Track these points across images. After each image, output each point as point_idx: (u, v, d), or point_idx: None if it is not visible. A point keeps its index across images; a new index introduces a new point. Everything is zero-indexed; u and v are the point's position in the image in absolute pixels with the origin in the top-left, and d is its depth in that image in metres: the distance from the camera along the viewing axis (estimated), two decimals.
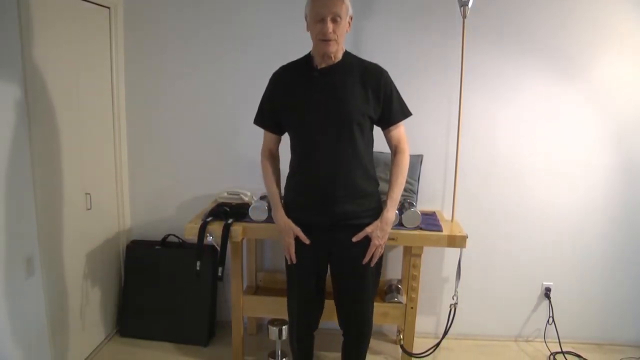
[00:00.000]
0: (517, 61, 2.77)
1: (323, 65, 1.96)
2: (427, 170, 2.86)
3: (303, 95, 1.99)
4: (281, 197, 2.15)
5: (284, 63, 2.11)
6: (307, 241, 2.04)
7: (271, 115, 2.10)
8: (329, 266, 2.16)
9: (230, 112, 2.95)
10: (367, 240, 2.03)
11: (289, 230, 2.06)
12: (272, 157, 2.17)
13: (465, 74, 2.64)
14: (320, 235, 2.05)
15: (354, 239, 2.01)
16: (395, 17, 2.77)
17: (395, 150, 2.09)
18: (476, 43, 2.71)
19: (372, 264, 2.06)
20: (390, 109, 2.02)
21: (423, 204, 2.89)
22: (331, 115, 1.94)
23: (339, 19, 1.85)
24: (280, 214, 2.09)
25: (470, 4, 2.52)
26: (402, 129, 2.09)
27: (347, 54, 2.01)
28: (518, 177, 2.90)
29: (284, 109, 2.04)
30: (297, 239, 2.07)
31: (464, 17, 2.55)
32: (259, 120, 2.15)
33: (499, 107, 2.83)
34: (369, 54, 2.76)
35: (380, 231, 2.01)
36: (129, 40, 2.91)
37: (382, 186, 2.55)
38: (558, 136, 2.84)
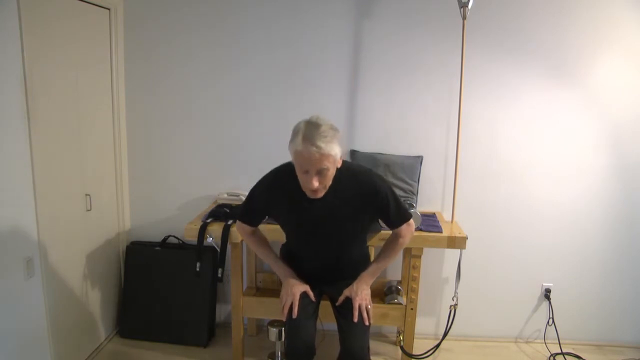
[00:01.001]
0: (516, 62, 2.77)
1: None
2: (427, 172, 2.87)
3: (296, 214, 2.00)
4: (278, 257, 2.24)
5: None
6: (314, 299, 2.11)
7: (259, 217, 2.13)
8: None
9: (230, 112, 2.95)
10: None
11: (300, 287, 2.07)
12: (253, 233, 2.20)
13: (465, 75, 2.64)
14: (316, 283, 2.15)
15: (337, 304, 2.09)
16: (395, 18, 2.77)
17: (394, 234, 2.13)
18: (476, 44, 2.71)
19: (365, 322, 2.03)
20: (389, 217, 2.03)
21: (423, 205, 2.89)
22: (326, 236, 2.01)
23: (325, 171, 1.76)
24: (288, 272, 2.13)
25: (470, 5, 2.52)
26: (403, 226, 2.08)
27: (339, 172, 1.87)
28: (518, 179, 2.90)
29: (276, 219, 2.13)
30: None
31: (464, 18, 2.55)
32: (247, 220, 2.13)
33: (498, 109, 2.83)
34: (369, 54, 2.78)
35: (359, 291, 2.05)
36: (129, 42, 2.91)
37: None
38: (557, 137, 2.84)
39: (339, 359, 2.15)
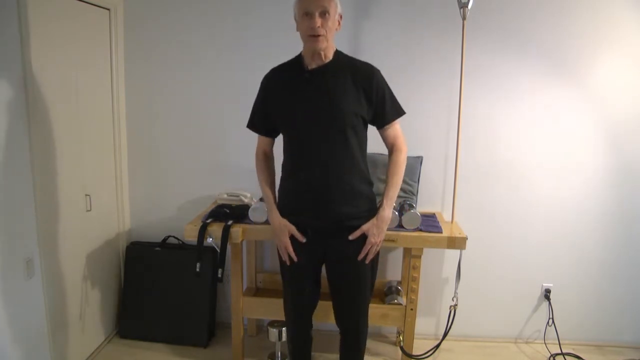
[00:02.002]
0: (516, 62, 2.77)
1: (314, 66, 1.95)
2: (427, 172, 2.87)
3: (294, 98, 1.98)
4: (275, 199, 2.15)
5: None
6: (302, 239, 2.03)
7: (263, 118, 2.09)
8: (323, 268, 2.15)
9: (230, 113, 2.95)
10: (363, 241, 2.03)
11: (284, 229, 2.04)
12: (266, 158, 2.17)
13: (465, 75, 2.64)
14: (315, 238, 2.04)
15: (351, 237, 2.00)
16: (394, 18, 2.77)
17: (391, 148, 2.08)
18: (476, 44, 2.71)
19: (367, 261, 2.04)
20: (384, 108, 2.00)
21: (423, 206, 2.89)
22: (323, 117, 1.93)
23: (327, 14, 1.83)
24: (274, 214, 2.08)
25: (470, 6, 2.52)
26: (397, 127, 2.07)
27: (338, 54, 1.99)
28: (518, 179, 2.90)
29: (276, 112, 2.04)
30: (292, 239, 2.06)
31: (464, 18, 2.55)
32: (252, 124, 2.15)
33: (498, 108, 2.83)
34: (369, 54, 2.77)
35: (377, 229, 2.01)
36: (129, 42, 2.92)
37: (383, 187, 2.56)
38: (557, 137, 2.84)
39: (341, 342, 2.21)
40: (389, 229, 2.44)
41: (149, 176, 3.08)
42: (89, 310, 2.76)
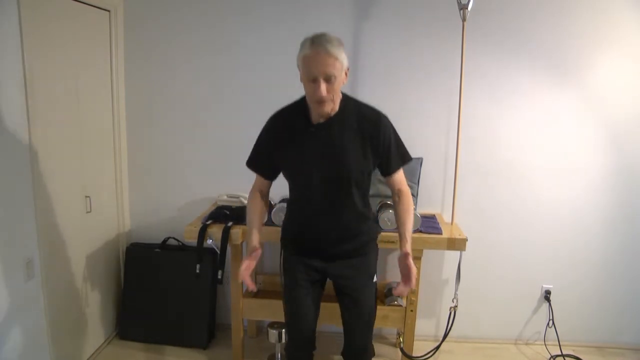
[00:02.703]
0: (516, 63, 2.77)
1: (320, 121, 1.89)
2: (427, 173, 2.87)
3: (299, 151, 1.93)
4: (259, 231, 2.07)
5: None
6: (253, 288, 2.03)
7: (264, 162, 2.06)
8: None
9: (230, 114, 2.95)
10: (363, 267, 2.05)
11: (244, 265, 1.97)
12: (260, 197, 2.12)
13: (465, 76, 2.64)
14: (316, 266, 2.04)
15: (395, 293, 1.96)
16: (394, 20, 2.77)
17: (397, 192, 2.05)
18: (476, 45, 2.72)
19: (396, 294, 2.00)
20: (389, 158, 1.97)
21: (423, 207, 2.89)
22: (328, 173, 1.91)
23: (333, 78, 1.74)
24: (253, 237, 2.02)
25: (469, 7, 2.52)
26: (401, 172, 2.05)
27: (344, 101, 1.91)
28: (518, 180, 2.90)
29: (280, 160, 2.01)
30: (296, 259, 2.07)
31: (464, 19, 2.55)
32: (252, 164, 2.10)
33: (498, 110, 2.83)
34: (369, 55, 2.79)
35: (413, 269, 1.92)
36: (129, 43, 2.92)
37: (382, 189, 2.57)
38: (557, 139, 2.84)
39: (343, 353, 2.17)
40: (389, 230, 2.45)
41: (149, 177, 3.08)
42: (88, 312, 2.76)
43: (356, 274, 2.05)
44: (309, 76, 1.75)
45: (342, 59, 1.76)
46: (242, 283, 2.66)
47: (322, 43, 1.71)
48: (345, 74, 1.83)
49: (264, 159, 2.05)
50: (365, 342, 2.12)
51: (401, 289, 1.90)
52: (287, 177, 2.04)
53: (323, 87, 1.74)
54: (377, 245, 2.14)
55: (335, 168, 1.90)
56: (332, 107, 1.84)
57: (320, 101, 1.78)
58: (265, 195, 2.13)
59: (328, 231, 1.99)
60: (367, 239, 2.07)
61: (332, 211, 1.96)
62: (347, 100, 1.93)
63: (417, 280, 2.58)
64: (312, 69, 1.73)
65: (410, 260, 1.88)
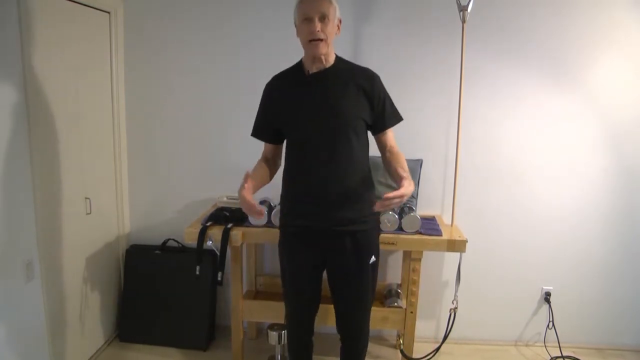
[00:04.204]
0: (516, 65, 2.77)
1: (314, 70, 1.95)
2: (427, 175, 2.87)
3: (296, 103, 1.97)
4: (253, 180, 1.96)
5: (282, 69, 2.10)
6: (261, 216, 1.91)
7: (266, 126, 2.08)
8: (325, 272, 2.13)
9: (230, 116, 2.95)
10: (365, 249, 2.02)
11: (241, 191, 1.89)
12: (267, 160, 2.13)
13: (465, 77, 2.65)
14: (317, 241, 2.03)
15: (376, 208, 1.80)
16: (394, 22, 2.78)
17: (389, 149, 2.05)
18: (475, 47, 2.72)
19: (377, 208, 1.81)
20: (384, 113, 2.00)
21: (422, 209, 2.89)
22: (326, 120, 1.93)
23: (326, 19, 1.83)
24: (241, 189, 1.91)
25: (469, 9, 2.53)
26: (392, 134, 2.07)
27: (338, 59, 1.99)
28: (518, 182, 2.90)
29: (278, 118, 2.03)
30: (293, 246, 2.07)
31: (463, 21, 2.55)
32: (256, 132, 2.13)
33: (498, 111, 2.83)
34: (369, 58, 2.79)
35: (407, 191, 1.77)
36: (129, 46, 2.92)
37: (382, 190, 2.57)
38: (557, 140, 2.84)
39: (341, 349, 2.20)
40: (388, 232, 2.45)
41: (149, 179, 3.08)
42: (88, 313, 2.76)
43: (356, 250, 2.01)
44: (304, 15, 1.84)
45: (336, 4, 1.89)
46: (242, 284, 2.68)
47: None
48: (338, 26, 1.92)
49: (266, 124, 2.08)
50: (360, 322, 2.14)
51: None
52: (286, 135, 2.05)
53: (317, 24, 1.83)
54: (379, 222, 2.11)
55: (333, 115, 1.93)
56: (326, 51, 1.90)
57: (315, 38, 1.84)
58: (271, 161, 2.15)
59: (329, 186, 1.95)
60: (368, 212, 2.01)
61: (332, 161, 1.94)
62: (341, 58, 2.01)
63: (417, 281, 2.59)
64: (307, 9, 1.84)
65: (405, 185, 1.77)
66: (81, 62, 2.57)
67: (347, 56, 2.06)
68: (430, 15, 2.75)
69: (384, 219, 2.45)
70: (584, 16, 2.70)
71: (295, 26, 1.94)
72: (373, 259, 2.06)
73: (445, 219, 2.87)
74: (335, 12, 1.88)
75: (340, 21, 1.93)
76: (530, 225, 2.94)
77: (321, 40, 1.85)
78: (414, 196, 2.77)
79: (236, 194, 2.81)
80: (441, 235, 2.52)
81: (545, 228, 2.93)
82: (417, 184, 2.79)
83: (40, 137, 2.25)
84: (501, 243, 2.97)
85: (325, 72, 1.95)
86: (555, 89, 2.79)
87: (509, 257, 2.98)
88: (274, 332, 2.59)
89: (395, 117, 2.06)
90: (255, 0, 2.82)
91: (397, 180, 1.88)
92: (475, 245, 2.78)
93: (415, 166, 2.77)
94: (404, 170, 1.90)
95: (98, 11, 2.69)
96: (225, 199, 2.87)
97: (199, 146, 3.02)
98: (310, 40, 1.85)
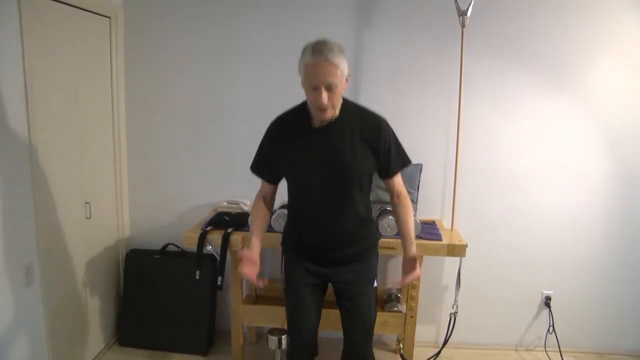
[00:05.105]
0: (515, 69, 2.78)
1: (320, 125, 1.90)
2: (427, 179, 2.87)
3: (301, 155, 1.94)
4: (260, 239, 2.06)
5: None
6: (260, 284, 1.99)
7: (268, 166, 2.06)
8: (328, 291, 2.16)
9: (230, 121, 2.95)
10: (365, 270, 2.06)
11: (246, 262, 1.96)
12: (265, 203, 2.12)
13: (465, 82, 2.65)
14: (318, 270, 2.04)
15: (400, 286, 2.01)
16: (395, 27, 2.78)
17: (397, 194, 2.06)
18: (475, 52, 2.72)
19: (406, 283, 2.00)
20: (389, 161, 1.98)
21: (422, 213, 2.89)
22: (329, 174, 1.92)
23: (334, 87, 1.75)
24: (253, 244, 2.02)
25: (469, 14, 2.53)
26: (400, 176, 2.06)
27: (344, 106, 1.92)
28: (518, 186, 2.90)
29: (280, 164, 2.01)
30: (297, 264, 2.06)
31: (463, 26, 2.56)
32: (256, 169, 2.10)
33: (497, 116, 2.84)
34: (369, 61, 2.79)
35: (417, 268, 1.95)
36: (129, 50, 2.93)
37: (382, 195, 2.57)
38: (557, 144, 2.84)
39: (342, 359, 2.17)
40: (388, 236, 2.45)
41: (149, 184, 3.08)
42: (88, 318, 2.76)
43: (357, 278, 2.04)
44: (311, 84, 1.76)
45: (343, 67, 1.77)
46: (242, 289, 2.67)
47: (323, 52, 1.72)
48: (346, 80, 1.84)
49: (267, 163, 2.05)
50: (365, 348, 2.12)
51: (401, 282, 1.97)
52: (288, 180, 2.05)
53: (324, 95, 1.75)
54: (378, 250, 2.14)
55: (335, 169, 1.91)
56: (333, 113, 1.85)
57: (322, 109, 1.79)
58: (269, 201, 2.13)
59: (329, 235, 1.99)
60: (368, 243, 2.08)
61: (333, 214, 1.96)
62: (347, 104, 1.94)
63: (417, 286, 2.59)
64: (314, 77, 1.74)
65: (417, 265, 1.93)
66: (82, 67, 2.57)
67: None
68: (430, 20, 2.76)
69: (384, 223, 2.46)
70: (583, 18, 2.71)
71: (300, 74, 1.82)
72: (374, 284, 2.11)
73: (445, 224, 2.87)
74: (344, 74, 1.79)
75: (348, 76, 1.85)
76: (530, 229, 2.94)
77: (328, 108, 1.80)
78: (414, 201, 2.77)
79: (236, 199, 2.85)
80: (441, 239, 2.52)
81: (545, 232, 2.93)
82: (417, 189, 2.79)
83: (40, 141, 2.25)
84: (501, 247, 2.97)
85: (332, 125, 1.90)
86: (555, 92, 2.79)
87: (509, 261, 2.98)
88: (274, 337, 2.58)
89: (402, 162, 2.04)
90: (254, 3, 2.83)
91: (406, 249, 2.00)
92: (475, 250, 2.78)
93: (415, 171, 2.77)
94: (411, 241, 1.99)
95: (99, 16, 2.69)
96: (225, 203, 2.87)
97: (199, 151, 3.02)
98: (317, 108, 1.81)
